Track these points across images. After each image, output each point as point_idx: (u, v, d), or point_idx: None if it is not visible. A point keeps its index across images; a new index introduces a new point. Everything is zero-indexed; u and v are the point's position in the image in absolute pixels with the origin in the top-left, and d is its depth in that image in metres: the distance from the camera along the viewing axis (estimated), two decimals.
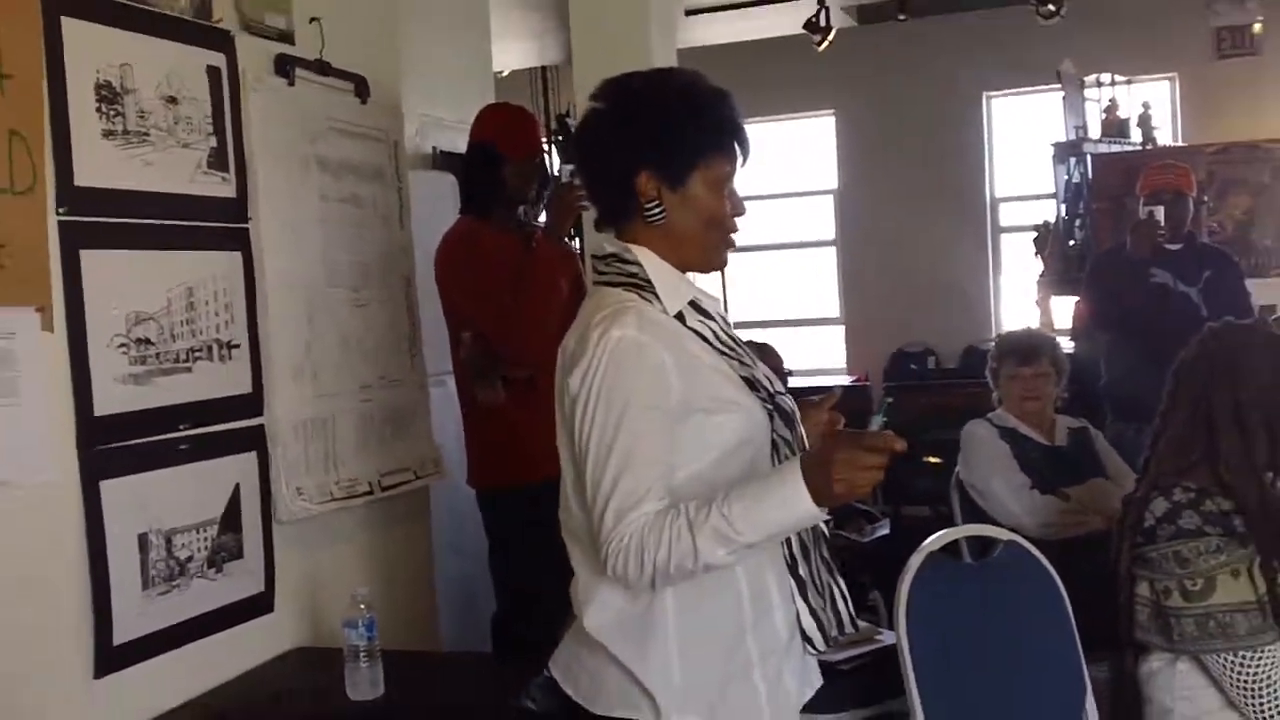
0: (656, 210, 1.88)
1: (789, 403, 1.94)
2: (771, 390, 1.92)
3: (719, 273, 2.09)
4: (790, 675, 1.94)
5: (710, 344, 1.89)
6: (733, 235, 1.95)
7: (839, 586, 1.96)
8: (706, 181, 1.89)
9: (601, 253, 1.94)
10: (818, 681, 2.01)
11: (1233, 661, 2.30)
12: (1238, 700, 2.32)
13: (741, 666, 1.88)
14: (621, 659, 1.85)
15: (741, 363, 1.91)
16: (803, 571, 1.91)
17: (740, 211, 1.95)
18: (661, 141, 1.86)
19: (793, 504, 1.72)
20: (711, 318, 1.92)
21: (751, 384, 1.89)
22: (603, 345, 1.78)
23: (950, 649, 2.58)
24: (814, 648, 1.93)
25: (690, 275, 1.96)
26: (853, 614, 1.99)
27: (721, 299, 2.06)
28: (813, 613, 1.92)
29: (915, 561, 2.62)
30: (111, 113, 2.46)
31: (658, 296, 1.87)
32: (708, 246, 1.93)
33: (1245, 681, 2.29)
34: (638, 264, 1.89)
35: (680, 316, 1.88)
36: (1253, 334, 2.49)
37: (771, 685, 1.90)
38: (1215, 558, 2.32)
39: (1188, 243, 4.68)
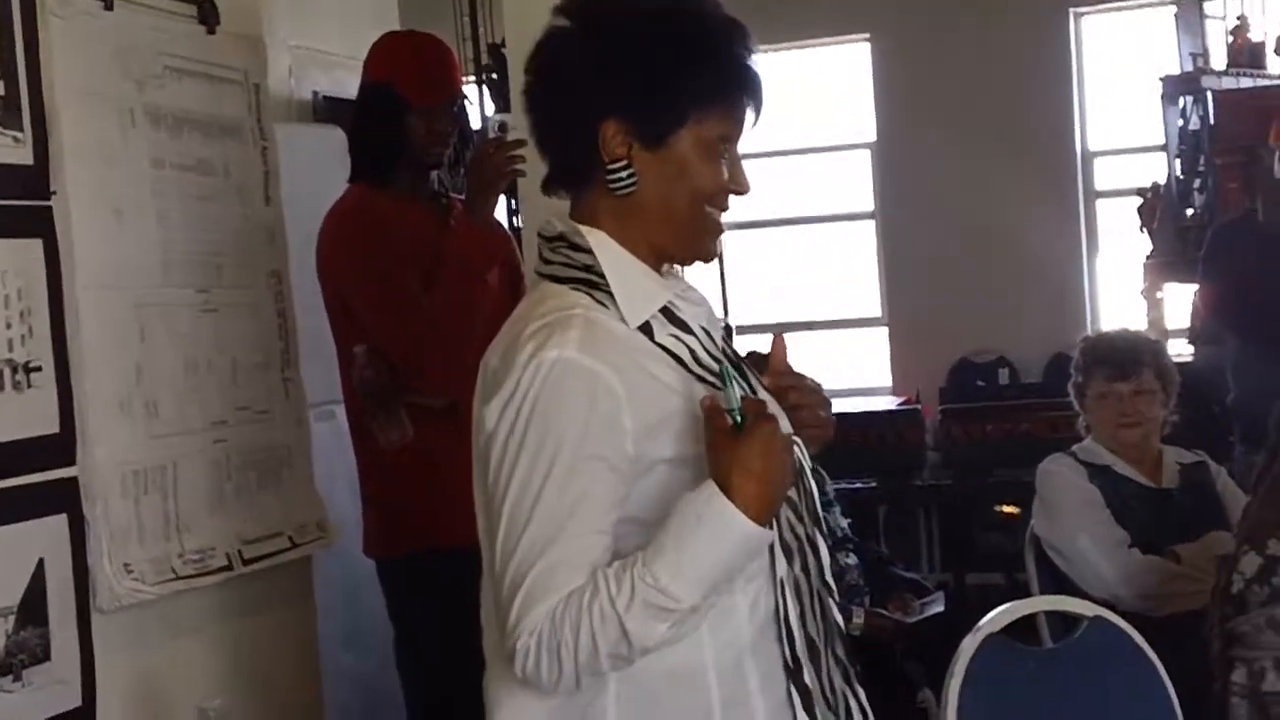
0: (625, 174, 1.87)
1: (799, 449, 1.92)
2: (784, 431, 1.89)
3: (716, 263, 2.09)
4: None
5: (686, 367, 1.87)
6: (721, 215, 1.95)
7: (858, 699, 1.96)
8: (698, 143, 1.88)
9: (550, 231, 1.92)
10: None
11: None
12: None
13: None
14: None
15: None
16: (808, 678, 1.89)
17: (742, 188, 1.94)
18: (639, 82, 1.85)
19: (725, 534, 1.72)
20: (690, 332, 1.90)
21: None
22: (533, 369, 1.77)
23: None
24: None
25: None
26: (859, 697, 1.98)
27: (719, 296, 2.04)
28: (818, 695, 1.90)
29: (969, 646, 2.64)
30: None
31: (614, 300, 1.86)
32: (692, 231, 1.93)
33: None
34: (590, 252, 1.88)
35: (647, 329, 1.86)
36: None
37: None
38: None
39: None
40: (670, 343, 1.87)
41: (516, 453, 1.77)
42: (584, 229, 1.89)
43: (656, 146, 1.87)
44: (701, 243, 1.96)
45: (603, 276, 1.86)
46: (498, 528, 1.79)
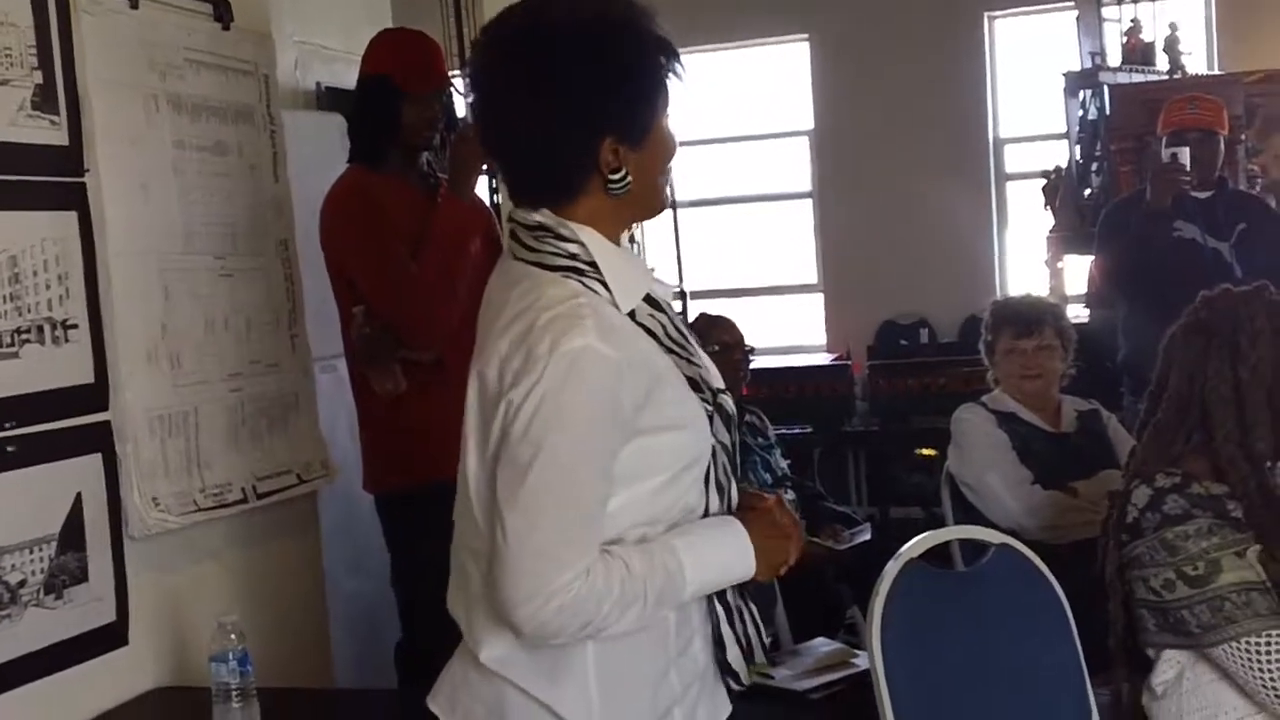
0: (622, 180, 1.83)
1: (730, 403, 1.95)
2: (715, 388, 1.92)
3: (672, 236, 2.09)
4: (704, 706, 1.96)
5: (659, 341, 1.87)
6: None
7: (750, 611, 1.99)
8: (664, 125, 1.87)
9: (528, 221, 1.85)
10: (726, 710, 2.03)
11: (1259, 644, 2.32)
12: (1265, 695, 2.34)
13: (665, 704, 1.91)
14: (528, 689, 1.86)
15: (690, 361, 1.90)
16: (730, 597, 1.94)
17: (677, 147, 1.93)
18: (626, 96, 1.81)
19: (738, 565, 1.88)
20: (662, 309, 1.91)
21: (695, 384, 1.89)
22: (562, 359, 1.72)
23: (934, 672, 2.60)
24: (738, 683, 1.97)
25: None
26: (765, 643, 2.02)
27: (674, 265, 2.06)
28: (738, 642, 1.95)
29: (892, 570, 2.64)
30: None
31: (607, 288, 1.82)
32: (655, 196, 1.92)
33: (1276, 665, 2.32)
34: (579, 244, 1.83)
35: (631, 312, 1.85)
36: (1254, 301, 2.51)
37: (689, 718, 1.93)
38: (1208, 539, 2.37)
39: (1219, 190, 4.73)
40: (649, 322, 1.87)
41: (544, 432, 1.72)
42: (576, 226, 1.83)
43: (641, 145, 1.84)
44: (657, 204, 1.95)
45: (591, 265, 1.82)
46: (515, 500, 1.74)
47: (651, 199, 1.91)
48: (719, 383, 1.95)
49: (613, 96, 1.79)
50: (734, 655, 1.95)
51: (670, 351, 1.87)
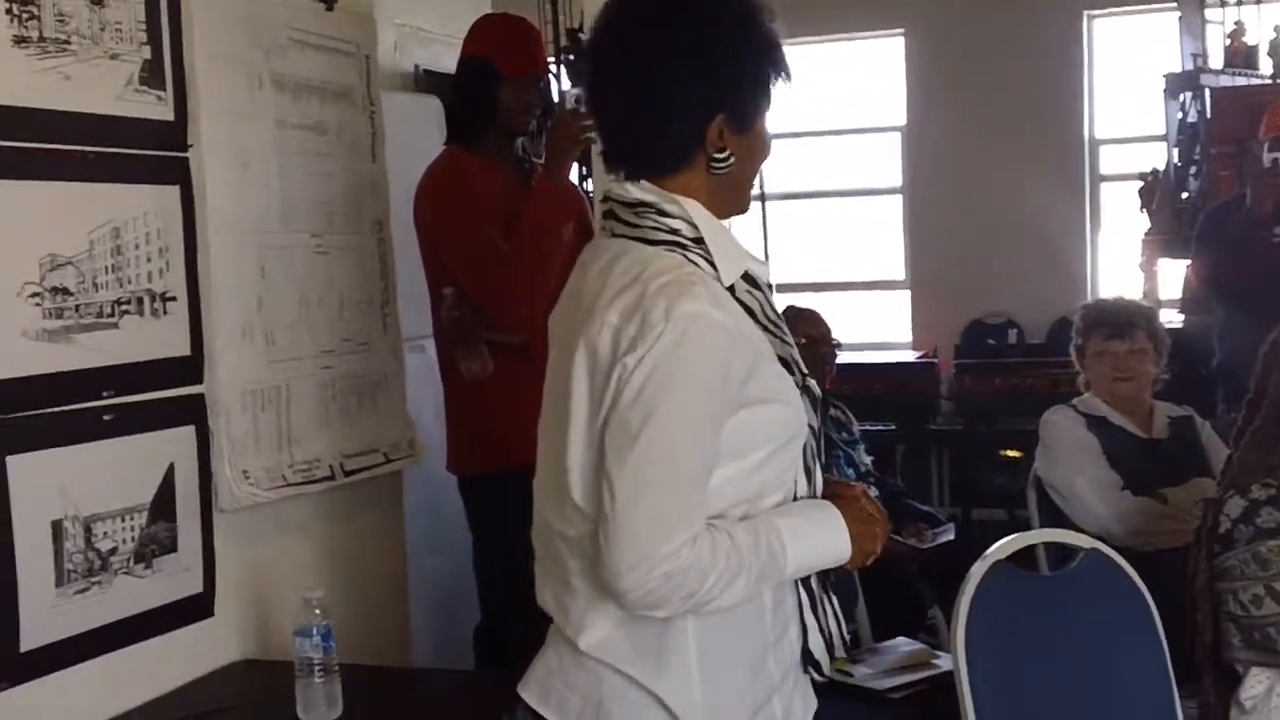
0: (729, 159, 1.86)
1: (816, 387, 1.97)
2: (804, 371, 1.95)
3: (760, 229, 2.12)
4: (799, 697, 1.97)
5: (756, 319, 1.88)
6: None
7: (832, 602, 1.99)
8: (766, 118, 1.91)
9: (628, 198, 1.88)
10: (814, 705, 2.03)
11: None
12: None
13: (765, 689, 1.91)
14: (633, 674, 1.85)
15: (784, 341, 1.92)
16: (814, 583, 1.95)
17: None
18: (744, 83, 1.86)
19: (835, 548, 1.90)
20: (759, 288, 1.92)
21: (787, 365, 1.90)
22: (677, 324, 1.73)
23: (1017, 676, 2.59)
24: (820, 673, 1.97)
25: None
26: (846, 638, 2.02)
27: (763, 258, 2.07)
28: (821, 631, 1.96)
29: (978, 571, 2.62)
30: (24, 15, 2.47)
31: (712, 263, 1.84)
32: (748, 188, 1.97)
33: None
34: (686, 220, 1.84)
35: (731, 286, 1.87)
36: None
37: (787, 709, 1.94)
38: None
39: None
40: (746, 298, 1.88)
41: (656, 397, 1.73)
42: (683, 200, 1.85)
43: (747, 130, 1.88)
44: (748, 200, 1.99)
45: (696, 240, 1.84)
46: (624, 464, 1.74)
47: (744, 191, 1.96)
48: (802, 365, 1.97)
49: (736, 74, 1.84)
50: (816, 643, 1.95)
51: (766, 330, 1.89)
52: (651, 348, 1.73)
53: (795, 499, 1.91)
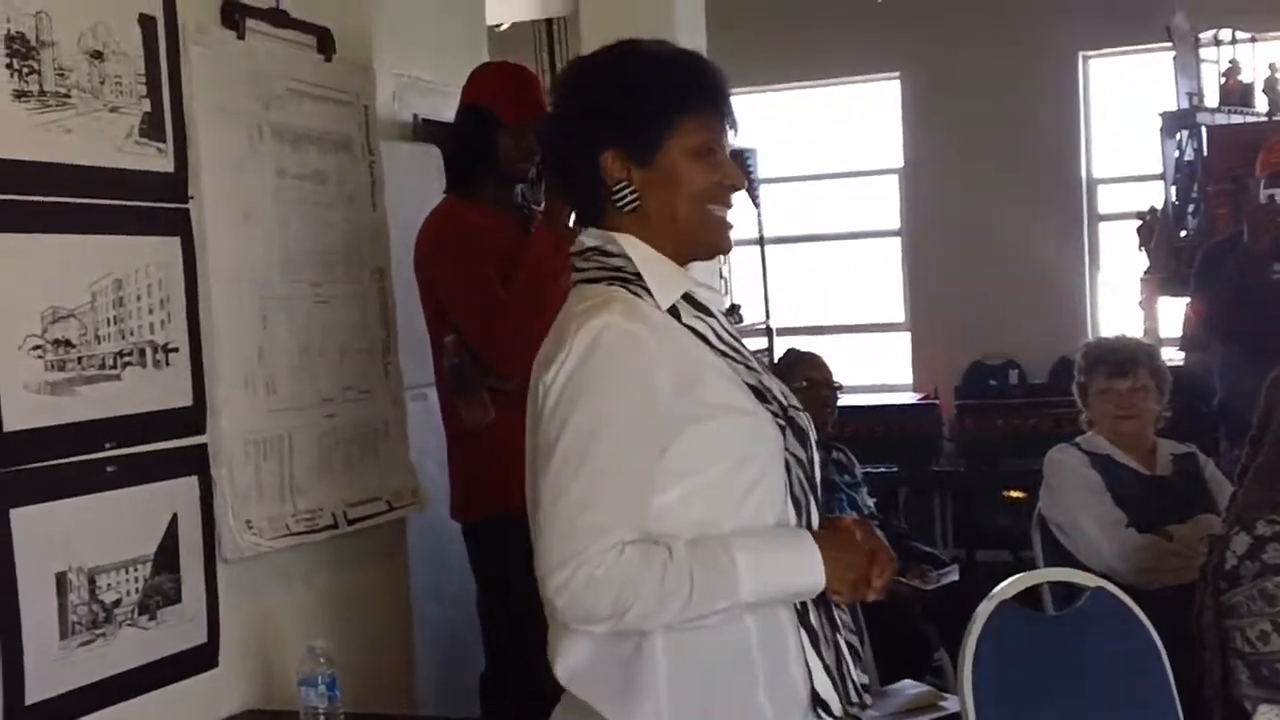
0: (628, 193, 1.93)
1: (804, 419, 1.98)
2: (785, 403, 1.96)
3: (759, 272, 2.13)
4: None
5: (709, 343, 1.92)
6: (724, 210, 1.99)
7: (842, 643, 1.98)
8: (684, 151, 1.94)
9: (580, 248, 1.98)
10: None
11: None
12: None
13: None
14: (596, 704, 1.87)
15: (748, 367, 1.94)
16: (814, 620, 1.94)
17: (735, 182, 1.99)
18: (622, 111, 1.93)
19: (803, 572, 1.86)
20: (711, 315, 1.96)
21: (760, 393, 1.92)
22: (585, 335, 1.82)
23: (1025, 716, 2.58)
24: (829, 714, 1.94)
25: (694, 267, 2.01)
26: (864, 683, 2.01)
27: (761, 301, 2.10)
28: (827, 671, 1.93)
29: (984, 611, 2.63)
30: (25, 70, 2.48)
31: (647, 290, 1.91)
32: (698, 229, 1.97)
33: None
34: (623, 255, 1.93)
35: (675, 313, 1.92)
36: None
37: None
38: None
39: None
40: (695, 324, 1.93)
41: (571, 405, 1.81)
42: (618, 235, 1.94)
43: (648, 161, 1.93)
44: (710, 238, 2.00)
45: (635, 274, 1.92)
46: (546, 472, 1.81)
47: (675, 223, 1.96)
48: (791, 399, 2.00)
49: (618, 107, 1.93)
50: (822, 684, 1.92)
51: (724, 355, 1.93)
52: (565, 362, 1.82)
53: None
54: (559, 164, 2.04)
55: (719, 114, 1.97)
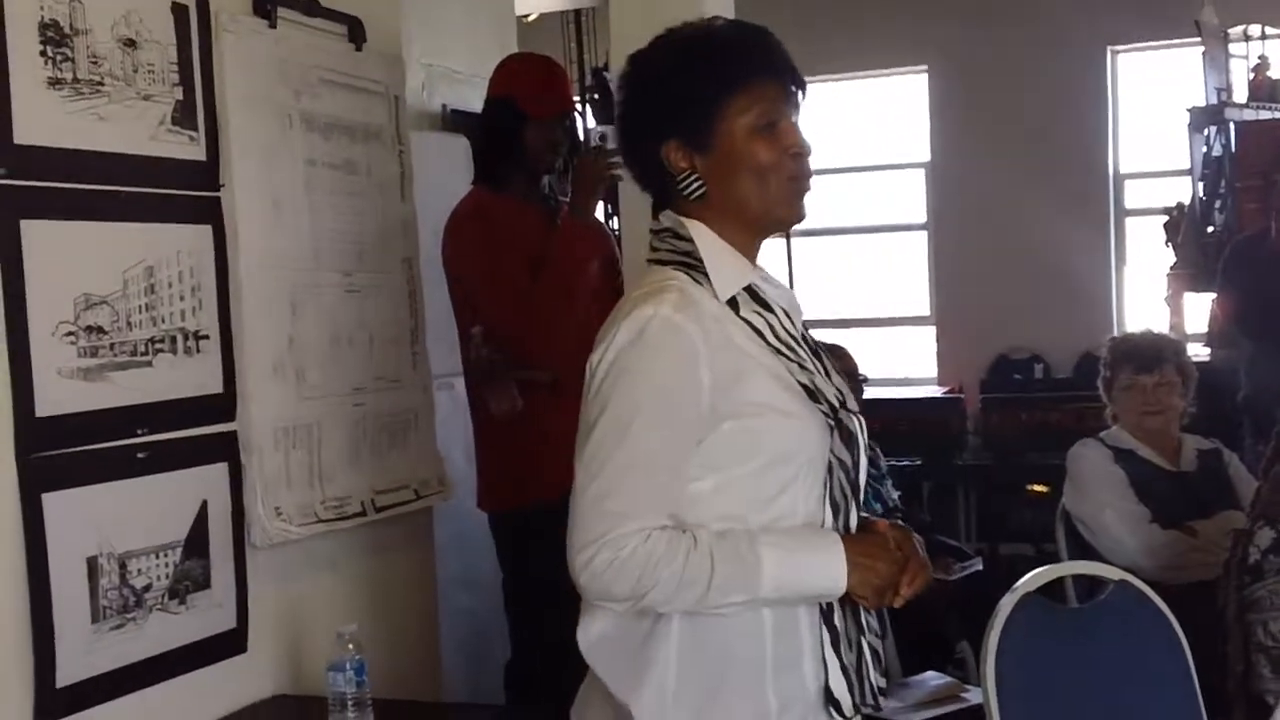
0: (693, 182, 1.94)
1: (855, 422, 1.97)
2: (837, 404, 1.95)
3: (785, 264, 2.12)
4: None
5: (764, 339, 1.92)
6: (794, 179, 1.96)
7: (865, 645, 1.98)
8: (741, 130, 1.92)
9: (658, 226, 2.00)
10: None
11: None
12: None
13: (755, 716, 1.91)
14: (612, 687, 1.91)
15: (802, 366, 1.93)
16: (838, 621, 1.93)
17: (800, 149, 1.96)
18: (669, 103, 1.93)
19: (826, 574, 1.86)
20: (771, 310, 1.95)
21: (812, 393, 1.91)
22: (632, 322, 1.85)
23: (1047, 708, 2.57)
24: (840, 713, 1.94)
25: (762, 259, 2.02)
26: (880, 686, 2.01)
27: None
28: (844, 670, 1.94)
29: (1007, 604, 2.61)
30: (58, 58, 2.49)
31: (708, 278, 1.92)
32: (772, 203, 1.96)
33: None
34: (691, 240, 1.94)
35: (734, 305, 1.92)
36: None
37: None
38: None
39: None
40: (753, 318, 1.93)
41: (611, 390, 1.84)
42: (687, 221, 1.95)
43: (709, 147, 1.93)
44: (782, 212, 1.98)
45: (700, 260, 1.92)
46: (583, 454, 1.84)
47: (745, 204, 1.95)
48: (850, 402, 1.98)
49: (655, 101, 1.95)
50: (837, 683, 1.93)
51: (778, 353, 1.92)
52: (610, 346, 1.85)
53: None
54: (627, 158, 2.03)
55: (772, 82, 1.94)
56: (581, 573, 1.81)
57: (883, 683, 2.02)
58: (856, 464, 1.96)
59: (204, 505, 2.81)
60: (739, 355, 1.88)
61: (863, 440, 1.98)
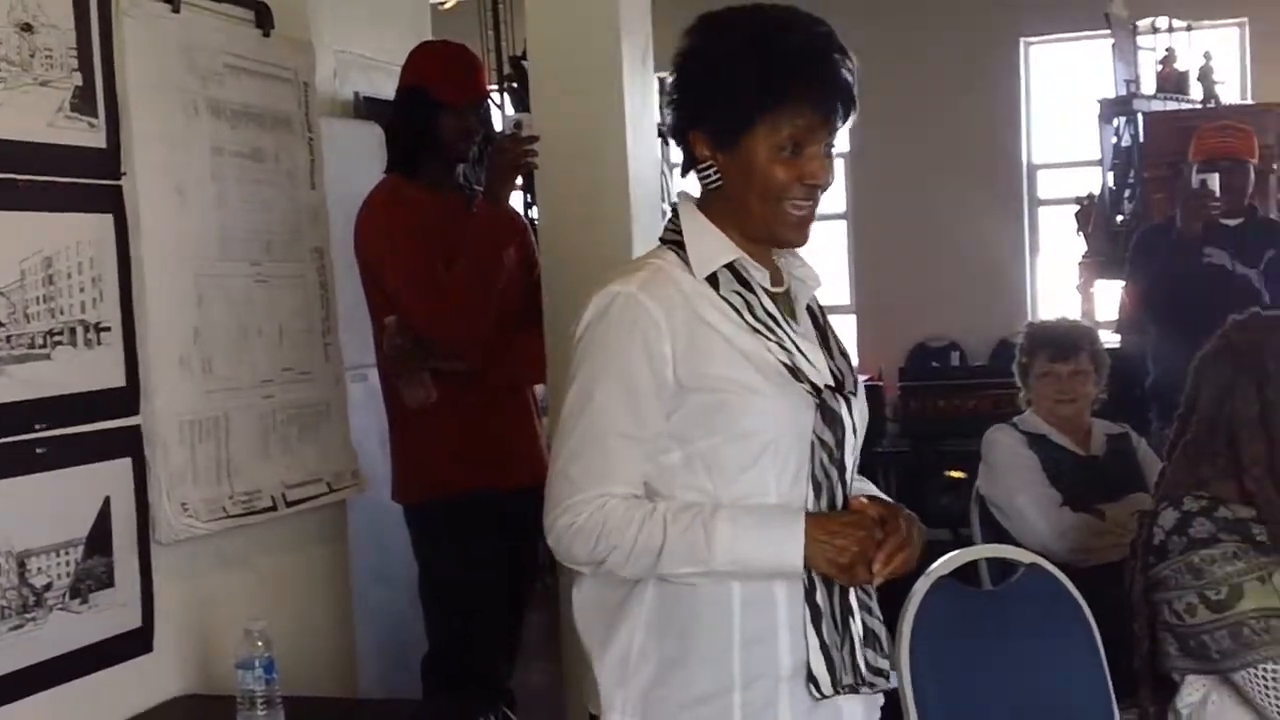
0: (710, 172, 1.97)
1: (838, 404, 1.97)
2: (828, 385, 1.96)
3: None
4: (790, 711, 1.95)
5: (743, 317, 1.93)
6: (801, 208, 1.95)
7: (857, 632, 1.98)
8: (765, 148, 1.91)
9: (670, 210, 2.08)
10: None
11: (1277, 671, 2.32)
12: None
13: (718, 684, 1.92)
14: (586, 644, 1.98)
15: (781, 345, 1.94)
16: (820, 599, 1.93)
17: (815, 179, 1.94)
18: (708, 97, 1.93)
19: (781, 551, 1.87)
20: (752, 290, 1.96)
21: (793, 371, 1.93)
22: (600, 299, 1.93)
23: (961, 691, 2.58)
24: (818, 690, 1.94)
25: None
26: (874, 666, 2.00)
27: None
28: (824, 649, 1.94)
29: (921, 588, 2.62)
30: None
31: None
32: (766, 221, 1.96)
33: None
34: (677, 220, 2.01)
35: (714, 282, 1.94)
36: None
37: (752, 718, 1.93)
38: (1233, 563, 2.37)
39: (1249, 217, 4.77)
40: (732, 296, 1.95)
41: (578, 364, 1.93)
42: (680, 204, 2.02)
43: (732, 148, 1.93)
44: (782, 234, 1.99)
45: (681, 239, 1.98)
46: (557, 422, 1.96)
47: (749, 216, 1.96)
48: (848, 384, 2.02)
49: (694, 90, 1.96)
50: (815, 661, 1.93)
51: (755, 330, 1.94)
52: (579, 322, 1.94)
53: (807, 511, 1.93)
54: (669, 123, 2.03)
55: (814, 108, 1.91)
56: (549, 535, 1.92)
57: (884, 664, 2.02)
58: (840, 444, 1.97)
59: (107, 501, 2.73)
60: (708, 331, 1.91)
61: (852, 422, 1.99)
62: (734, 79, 1.90)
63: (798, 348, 1.96)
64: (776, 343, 1.94)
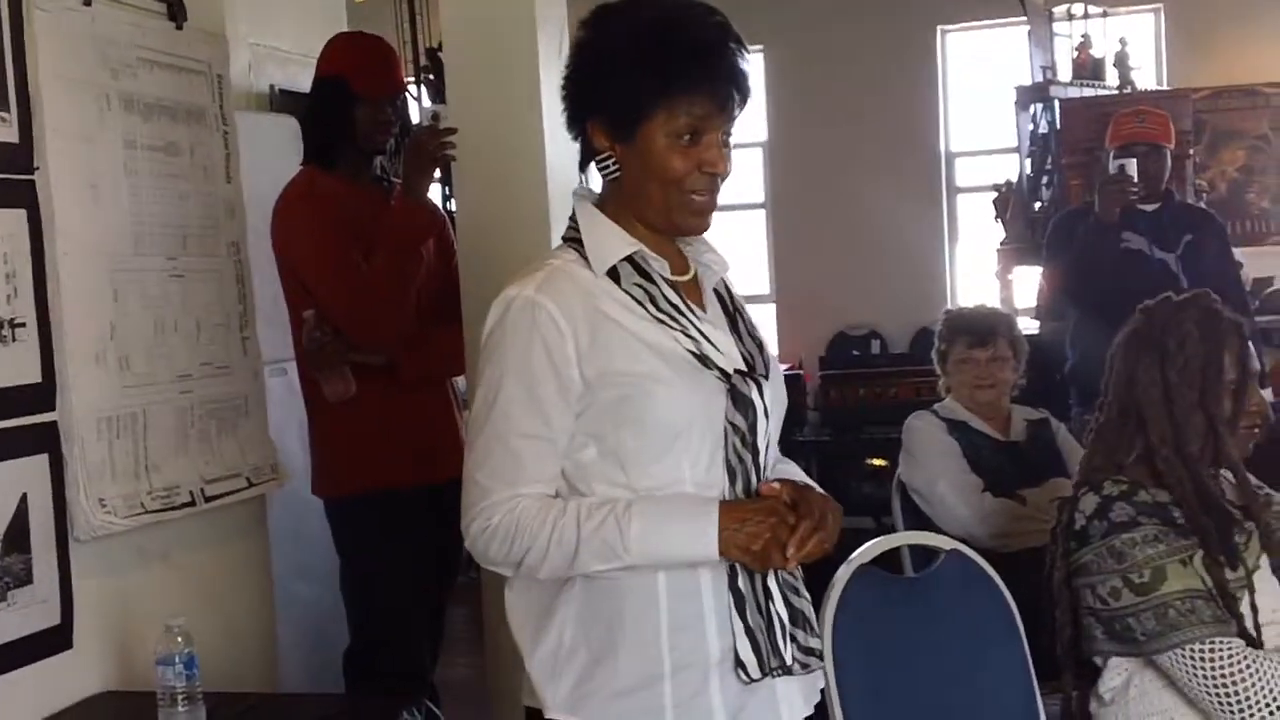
0: (609, 163, 1.99)
1: (748, 388, 1.99)
2: (739, 369, 1.99)
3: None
4: (721, 696, 1.97)
5: (646, 309, 1.95)
6: (700, 195, 1.98)
7: (781, 615, 2.00)
8: (662, 137, 1.93)
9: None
10: (758, 705, 2.01)
11: (1203, 651, 2.36)
12: (1209, 702, 2.38)
13: (647, 674, 1.94)
14: (519, 641, 2.00)
15: (686, 334, 1.96)
16: (742, 584, 1.96)
17: (713, 168, 1.97)
18: (604, 87, 1.95)
19: (694, 542, 1.89)
20: (653, 281, 1.98)
21: (701, 359, 1.95)
22: (498, 304, 1.95)
23: (884, 677, 2.62)
24: (746, 675, 1.96)
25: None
26: (805, 646, 2.03)
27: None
28: (749, 633, 1.96)
29: (843, 576, 2.65)
30: None
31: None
32: (667, 209, 1.98)
33: (1220, 674, 2.34)
34: (575, 218, 2.03)
35: (615, 276, 1.96)
36: (1186, 308, 2.56)
37: (683, 706, 1.95)
38: (1154, 546, 2.41)
39: (1165, 202, 4.80)
40: (634, 290, 1.96)
41: (480, 370, 1.96)
42: (576, 203, 2.04)
43: (630, 138, 1.95)
44: (682, 221, 2.01)
45: (579, 236, 2.01)
46: (468, 428, 1.99)
47: (648, 205, 1.99)
48: (759, 366, 2.04)
49: (589, 80, 1.98)
50: (741, 645, 1.96)
51: (660, 322, 1.96)
52: (485, 328, 1.97)
53: (724, 498, 1.95)
54: (566, 114, 2.05)
55: (711, 96, 1.93)
56: (466, 539, 1.95)
57: (815, 643, 2.05)
58: (753, 428, 1.99)
59: (23, 498, 2.72)
60: (611, 327, 1.93)
61: (764, 404, 2.01)
62: (631, 67, 1.91)
63: (704, 335, 1.98)
64: (682, 331, 1.96)
